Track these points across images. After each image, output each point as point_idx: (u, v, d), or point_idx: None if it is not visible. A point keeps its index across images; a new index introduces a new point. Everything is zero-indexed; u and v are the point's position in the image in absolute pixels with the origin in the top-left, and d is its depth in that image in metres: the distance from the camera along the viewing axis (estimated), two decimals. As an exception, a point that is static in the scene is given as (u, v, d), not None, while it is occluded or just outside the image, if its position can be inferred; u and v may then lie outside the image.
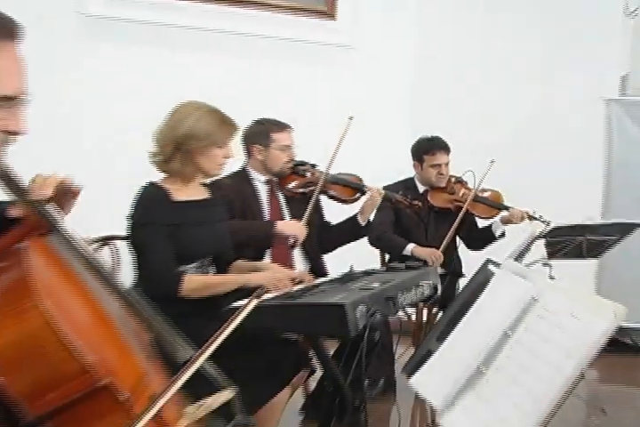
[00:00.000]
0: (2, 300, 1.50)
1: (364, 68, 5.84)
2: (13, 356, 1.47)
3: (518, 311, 1.92)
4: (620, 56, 6.07)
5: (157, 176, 3.03)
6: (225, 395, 1.73)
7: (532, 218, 4.48)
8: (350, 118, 3.90)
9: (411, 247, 4.40)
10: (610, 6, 5.96)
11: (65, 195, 1.74)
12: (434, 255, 4.33)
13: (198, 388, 1.68)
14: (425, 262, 3.35)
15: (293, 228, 3.66)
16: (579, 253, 4.07)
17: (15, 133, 1.50)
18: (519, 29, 5.92)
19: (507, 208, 4.59)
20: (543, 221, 4.41)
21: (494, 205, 4.65)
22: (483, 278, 2.23)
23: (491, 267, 2.24)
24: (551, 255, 3.94)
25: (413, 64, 6.02)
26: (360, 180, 4.23)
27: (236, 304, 2.65)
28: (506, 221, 4.58)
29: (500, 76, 5.94)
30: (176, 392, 1.70)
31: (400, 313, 3.04)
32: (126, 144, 4.59)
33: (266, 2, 5.51)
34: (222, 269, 3.16)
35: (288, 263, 3.76)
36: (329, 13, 5.65)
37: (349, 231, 4.07)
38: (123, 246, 3.14)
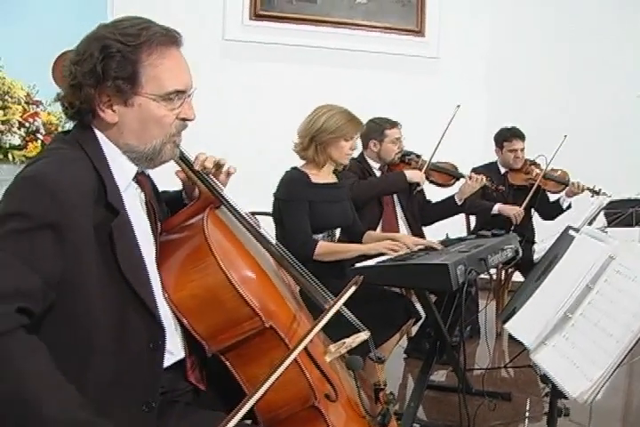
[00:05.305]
0: (188, 259, 1.52)
1: (448, 73, 5.81)
2: (197, 303, 1.49)
3: (598, 268, 1.85)
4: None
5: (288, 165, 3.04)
6: (361, 336, 1.69)
7: (592, 191, 4.39)
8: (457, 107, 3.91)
9: (497, 206, 4.40)
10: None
11: (222, 173, 1.71)
12: (517, 212, 4.34)
13: (340, 330, 1.68)
14: (507, 230, 3.26)
15: None
16: (629, 222, 3.93)
17: (188, 120, 1.50)
18: (571, 36, 5.68)
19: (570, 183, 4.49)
20: (603, 194, 4.34)
21: (561, 180, 4.56)
22: (564, 242, 2.17)
23: (571, 232, 2.17)
24: (609, 224, 3.83)
25: (486, 70, 5.93)
26: (455, 168, 4.19)
27: (358, 265, 2.63)
28: (571, 194, 4.46)
29: (557, 77, 5.73)
30: (322, 334, 1.71)
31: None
32: (269, 137, 4.63)
33: (369, 24, 5.63)
34: (355, 238, 3.15)
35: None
36: (419, 32, 5.76)
37: (448, 209, 4.03)
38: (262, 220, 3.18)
